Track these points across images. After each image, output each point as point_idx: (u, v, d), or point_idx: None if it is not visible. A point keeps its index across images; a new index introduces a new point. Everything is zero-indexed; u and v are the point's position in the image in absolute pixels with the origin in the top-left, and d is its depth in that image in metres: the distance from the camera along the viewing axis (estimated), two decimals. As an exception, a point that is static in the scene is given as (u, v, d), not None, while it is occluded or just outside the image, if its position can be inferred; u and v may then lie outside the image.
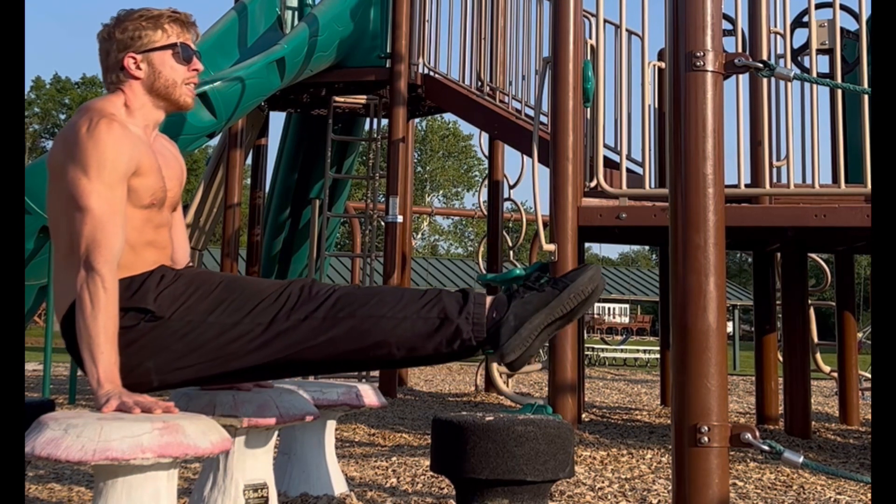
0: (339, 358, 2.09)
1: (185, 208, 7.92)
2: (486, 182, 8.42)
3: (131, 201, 2.10)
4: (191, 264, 2.43)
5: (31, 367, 9.05)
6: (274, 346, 2.05)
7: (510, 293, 2.07)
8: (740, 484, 3.22)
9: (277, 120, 18.76)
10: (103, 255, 1.99)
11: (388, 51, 6.96)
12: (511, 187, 8.26)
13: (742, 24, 4.58)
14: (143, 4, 2.31)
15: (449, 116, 35.87)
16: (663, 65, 5.15)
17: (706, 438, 1.90)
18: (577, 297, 2.04)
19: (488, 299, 2.07)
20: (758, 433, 1.92)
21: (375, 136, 7.75)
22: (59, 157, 2.09)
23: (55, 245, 2.16)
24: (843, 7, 4.94)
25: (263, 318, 2.06)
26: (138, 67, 2.20)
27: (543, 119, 5.08)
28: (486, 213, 8.61)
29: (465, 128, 47.09)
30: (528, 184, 4.55)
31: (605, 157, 4.53)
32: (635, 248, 49.65)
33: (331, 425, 2.85)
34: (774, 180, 4.74)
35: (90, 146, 2.04)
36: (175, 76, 2.22)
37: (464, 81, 6.80)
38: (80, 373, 5.91)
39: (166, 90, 2.21)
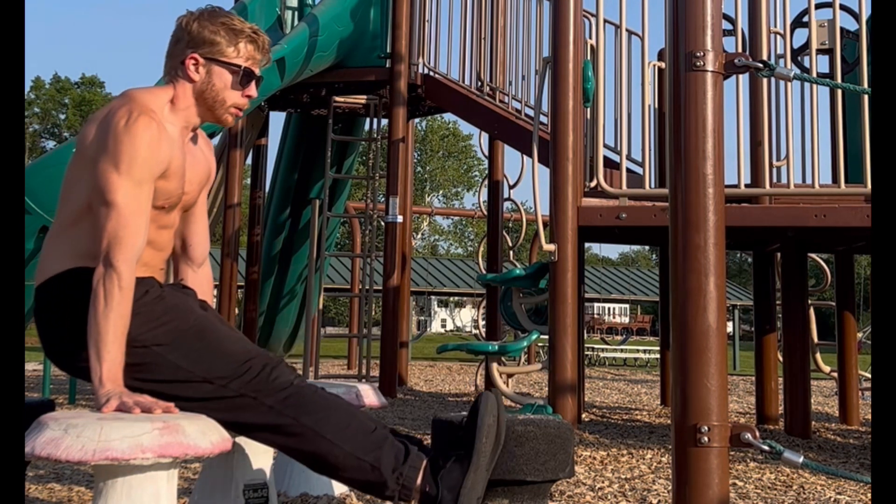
0: (266, 443, 2.11)
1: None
2: (486, 182, 8.43)
3: None
4: (206, 263, 2.43)
5: (31, 367, 9.05)
6: (214, 406, 2.04)
7: (436, 462, 2.05)
8: (740, 484, 3.22)
9: (277, 120, 18.76)
10: (124, 253, 1.99)
11: (388, 51, 6.96)
12: (511, 187, 8.27)
13: (742, 24, 4.58)
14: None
15: (449, 116, 35.90)
16: (663, 65, 5.15)
17: (706, 438, 1.90)
18: (489, 436, 2.03)
19: (423, 464, 2.05)
20: (758, 433, 1.92)
21: (375, 136, 7.75)
22: (94, 143, 2.07)
23: (58, 212, 2.15)
24: (843, 7, 4.94)
25: (217, 378, 2.05)
26: (196, 71, 2.18)
27: (543, 119, 5.08)
28: (486, 213, 8.61)
29: (465, 128, 47.13)
30: (528, 184, 4.55)
31: (605, 157, 4.53)
32: (635, 248, 49.66)
33: (331, 425, 2.85)
34: (774, 180, 4.74)
35: (126, 140, 2.03)
36: (227, 96, 2.20)
37: (464, 81, 6.80)
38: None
39: (213, 104, 2.20)
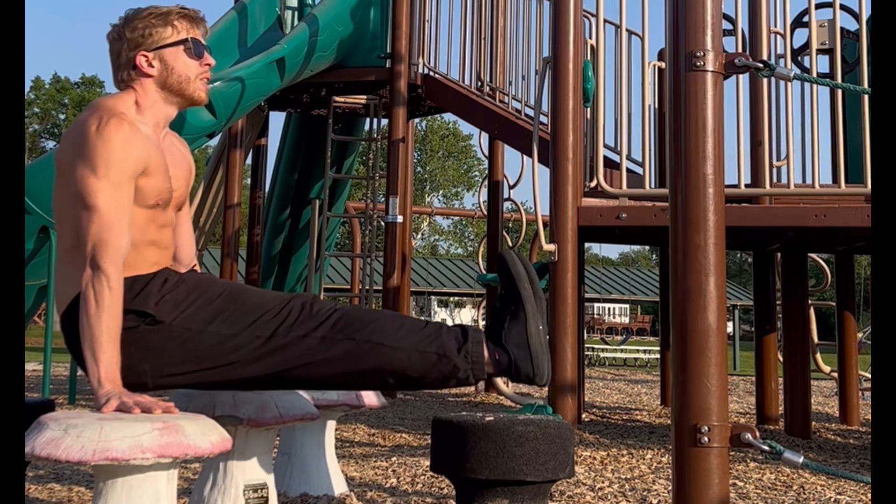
0: (333, 379, 2.11)
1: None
2: (486, 182, 8.42)
3: (136, 201, 2.11)
4: (195, 265, 2.43)
5: (31, 367, 9.04)
6: (270, 361, 2.06)
7: (493, 332, 2.10)
8: (740, 484, 3.22)
9: (277, 120, 18.73)
10: (110, 255, 2.00)
11: (388, 51, 6.96)
12: (511, 187, 8.26)
13: (742, 24, 4.58)
14: (148, 3, 2.32)
15: (449, 116, 35.90)
16: (663, 65, 5.15)
17: (706, 438, 1.90)
18: (524, 283, 2.11)
19: (483, 337, 2.09)
20: (758, 433, 1.92)
21: (375, 136, 7.75)
22: (68, 153, 2.09)
23: (59, 240, 2.16)
24: (843, 7, 4.94)
25: (263, 331, 2.07)
26: (150, 65, 2.20)
27: (543, 119, 5.08)
28: (486, 213, 8.61)
29: (465, 128, 47.11)
30: (528, 184, 4.55)
31: (605, 157, 4.52)
32: (635, 248, 49.64)
33: (331, 425, 2.85)
34: (774, 180, 4.74)
35: (99, 144, 2.04)
36: (188, 71, 2.22)
37: (464, 81, 6.80)
38: (80, 373, 5.91)
39: (179, 86, 2.22)
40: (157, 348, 2.07)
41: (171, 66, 2.21)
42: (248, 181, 8.59)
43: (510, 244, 8.72)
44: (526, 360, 2.07)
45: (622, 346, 21.98)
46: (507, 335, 2.08)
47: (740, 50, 4.55)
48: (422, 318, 2.19)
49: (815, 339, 6.43)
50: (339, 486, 2.81)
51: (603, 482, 3.20)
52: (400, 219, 6.76)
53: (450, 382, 2.09)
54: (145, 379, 2.08)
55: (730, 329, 21.79)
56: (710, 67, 1.99)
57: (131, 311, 2.05)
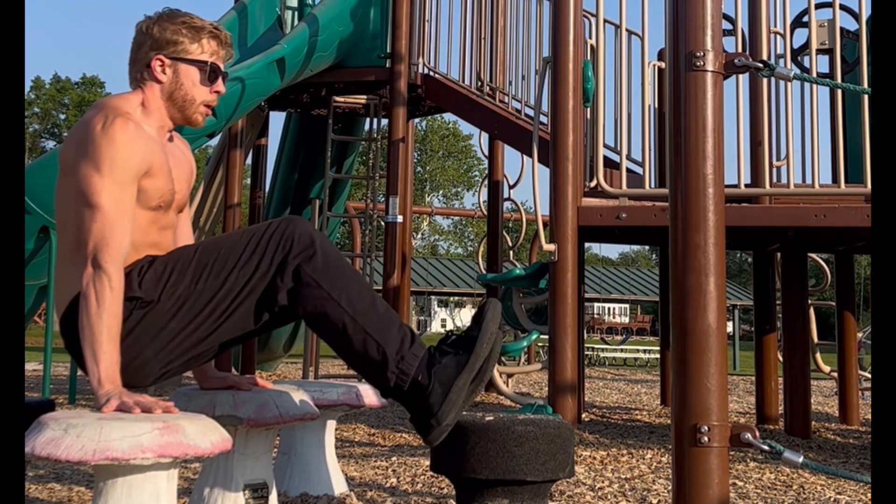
0: (302, 310, 2.09)
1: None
2: (486, 182, 8.42)
3: (139, 202, 2.11)
4: None
5: (31, 367, 9.05)
6: (266, 291, 2.07)
7: (431, 357, 2.06)
8: (740, 484, 3.22)
9: (277, 120, 18.77)
10: (111, 254, 2.00)
11: (388, 51, 6.96)
12: (511, 187, 8.26)
13: (742, 24, 4.58)
14: (156, 7, 2.31)
15: (449, 116, 35.89)
16: (663, 65, 5.15)
17: (706, 438, 1.90)
18: (489, 342, 2.05)
19: (423, 354, 2.06)
20: (758, 433, 1.92)
21: (375, 136, 7.75)
22: (72, 152, 2.09)
23: (60, 240, 2.16)
24: (843, 7, 4.94)
25: (248, 267, 2.07)
26: (163, 72, 2.20)
27: (543, 119, 5.08)
28: (486, 213, 8.61)
29: (465, 128, 47.13)
30: (528, 184, 4.55)
31: (605, 157, 4.52)
32: (635, 248, 49.65)
33: (331, 425, 2.85)
34: (774, 180, 4.74)
35: (104, 144, 2.04)
36: (195, 94, 2.22)
37: (464, 81, 6.80)
38: (80, 372, 5.91)
39: (183, 103, 2.22)
40: (154, 327, 2.07)
41: (182, 81, 2.20)
42: (248, 181, 8.58)
43: (510, 244, 8.72)
44: (438, 398, 2.01)
45: (622, 346, 21.99)
46: (439, 369, 2.03)
47: (740, 50, 4.55)
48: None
49: (815, 339, 6.43)
50: (339, 486, 2.81)
51: (603, 482, 3.20)
52: (400, 219, 6.76)
53: (372, 372, 2.05)
54: (152, 366, 2.09)
55: (730, 329, 21.80)
56: (710, 67, 1.99)
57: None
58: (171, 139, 2.29)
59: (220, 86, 2.25)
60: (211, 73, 2.22)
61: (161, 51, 2.20)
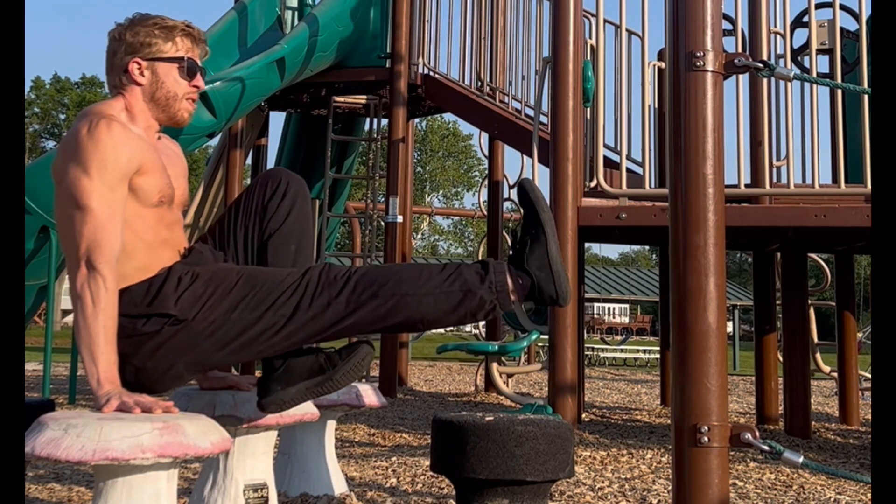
0: (371, 330, 2.14)
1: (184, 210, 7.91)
2: (486, 182, 8.42)
3: (140, 201, 2.11)
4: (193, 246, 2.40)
5: (31, 367, 9.04)
6: (301, 335, 2.08)
7: (515, 258, 2.13)
8: (740, 484, 3.22)
9: (277, 120, 18.76)
10: (104, 256, 2.00)
11: (388, 51, 6.96)
12: (511, 187, 8.27)
13: (742, 24, 4.58)
14: (156, 8, 2.32)
15: (449, 116, 35.91)
16: (663, 65, 5.15)
17: (706, 438, 1.90)
18: (543, 207, 2.15)
19: (506, 265, 2.12)
20: (758, 433, 1.92)
21: (375, 136, 7.75)
22: (61, 160, 2.09)
23: (65, 251, 2.15)
24: (843, 7, 4.94)
25: (286, 309, 2.07)
26: (142, 74, 2.21)
27: (543, 119, 5.08)
28: (486, 213, 8.61)
29: (465, 128, 47.12)
30: (528, 184, 4.54)
31: (605, 157, 4.53)
32: (635, 248, 49.65)
33: (331, 425, 2.85)
34: (774, 180, 4.74)
35: (90, 147, 2.04)
36: (177, 89, 2.23)
37: (464, 81, 6.80)
38: (80, 372, 5.91)
39: (166, 101, 2.22)
40: (186, 345, 2.07)
41: (162, 80, 2.21)
42: (248, 181, 8.58)
43: (510, 244, 8.71)
44: (548, 281, 2.09)
45: (622, 346, 21.98)
46: (529, 258, 2.10)
47: (740, 50, 4.55)
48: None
49: (815, 339, 6.43)
50: (339, 486, 2.81)
51: (603, 482, 3.20)
52: (400, 219, 6.76)
53: (478, 316, 2.11)
54: (183, 374, 2.11)
55: (730, 329, 21.79)
56: (710, 67, 1.99)
57: (153, 315, 2.06)
58: (159, 139, 2.30)
59: (199, 80, 2.27)
60: (189, 69, 2.24)
61: (136, 54, 2.21)
